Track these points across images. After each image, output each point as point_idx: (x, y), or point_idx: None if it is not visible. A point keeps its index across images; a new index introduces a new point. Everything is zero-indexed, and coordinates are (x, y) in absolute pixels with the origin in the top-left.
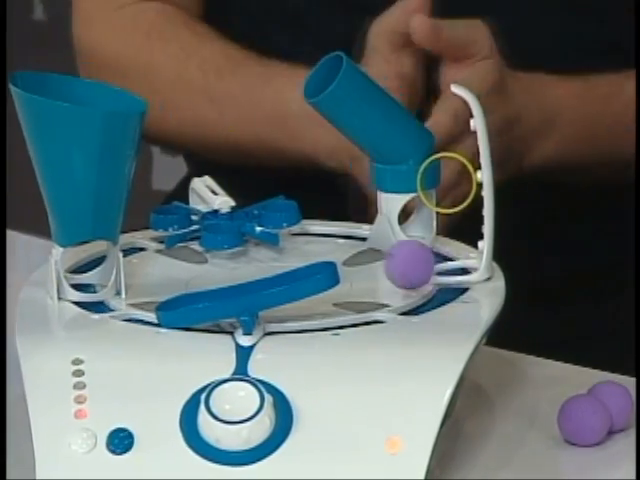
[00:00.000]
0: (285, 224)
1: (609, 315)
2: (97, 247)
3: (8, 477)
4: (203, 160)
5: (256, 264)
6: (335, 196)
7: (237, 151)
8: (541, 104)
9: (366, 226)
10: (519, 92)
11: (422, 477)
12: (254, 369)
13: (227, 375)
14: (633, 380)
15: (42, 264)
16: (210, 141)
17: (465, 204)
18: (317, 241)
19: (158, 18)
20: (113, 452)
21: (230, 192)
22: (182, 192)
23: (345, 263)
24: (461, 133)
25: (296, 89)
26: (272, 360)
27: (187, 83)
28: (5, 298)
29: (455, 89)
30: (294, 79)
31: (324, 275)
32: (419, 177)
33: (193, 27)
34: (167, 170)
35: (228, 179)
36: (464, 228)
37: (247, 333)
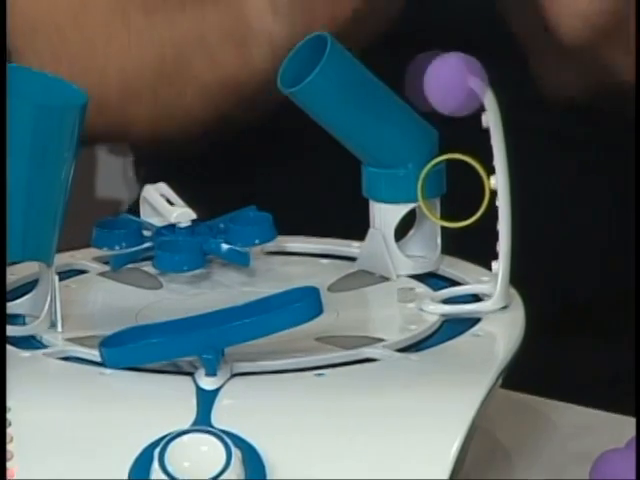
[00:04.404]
0: (257, 241)
1: None
2: (27, 269)
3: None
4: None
5: (222, 290)
6: (318, 206)
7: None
8: None
9: (356, 243)
10: None
11: None
12: (219, 418)
13: (186, 425)
14: None
15: None
16: (137, 75)
17: (476, 216)
18: (296, 261)
19: None
20: None
21: (192, 203)
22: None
23: (330, 288)
24: None
25: None
26: (241, 407)
27: (123, 5)
28: (5, 301)
29: None
30: None
31: (305, 303)
32: (420, 183)
33: None
34: (115, 175)
35: (190, 188)
36: (475, 246)
37: (210, 374)
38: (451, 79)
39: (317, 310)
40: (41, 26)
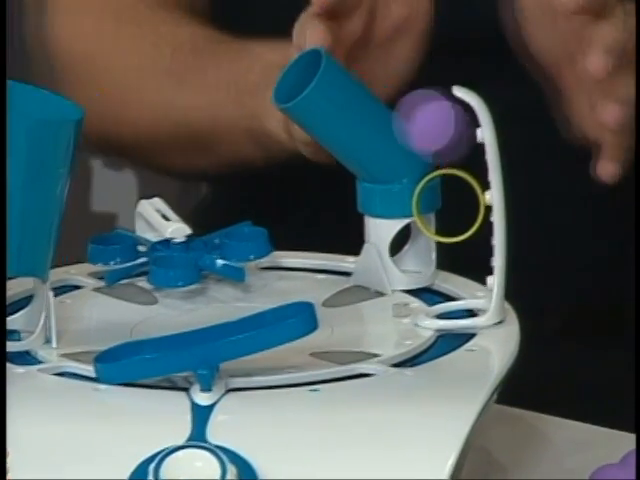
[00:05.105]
0: (252, 256)
1: None
2: (22, 285)
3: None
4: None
5: (217, 305)
6: (313, 221)
7: (195, 140)
8: None
9: (351, 258)
10: None
11: None
12: (214, 433)
13: (181, 441)
14: None
15: None
16: (168, 132)
17: (471, 231)
18: (291, 277)
19: (133, 2)
20: None
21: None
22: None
23: (325, 303)
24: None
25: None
26: (236, 422)
27: (154, 65)
28: (5, 301)
29: (458, 92)
30: (272, 47)
31: (299, 318)
32: (415, 199)
33: (173, 11)
34: (110, 189)
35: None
36: (470, 260)
37: (205, 390)
38: (437, 124)
39: (312, 325)
40: (77, 63)
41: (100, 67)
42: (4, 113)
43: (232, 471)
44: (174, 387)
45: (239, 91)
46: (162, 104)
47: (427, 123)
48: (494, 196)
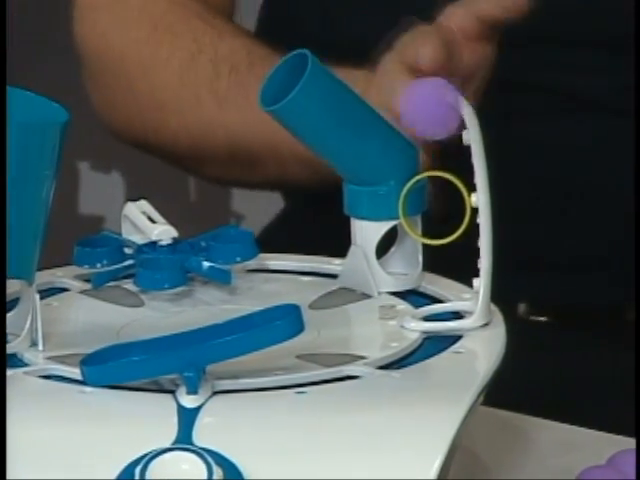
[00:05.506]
0: (239, 258)
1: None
2: (8, 287)
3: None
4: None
5: (203, 307)
6: (301, 224)
7: (239, 159)
8: None
9: (337, 260)
10: None
11: None
12: (200, 436)
13: (167, 444)
14: None
15: None
16: (209, 147)
17: (458, 233)
18: (278, 279)
19: (170, 8)
20: None
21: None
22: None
23: (312, 306)
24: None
25: None
26: (222, 425)
27: (194, 79)
28: (5, 298)
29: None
30: None
31: (286, 321)
32: (401, 201)
33: (211, 20)
34: (97, 191)
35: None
36: (456, 263)
37: (192, 392)
38: (429, 102)
39: (298, 328)
40: (112, 65)
41: (134, 72)
42: (4, 115)
43: (218, 473)
44: (160, 389)
45: None
46: (202, 119)
47: (420, 101)
48: (480, 198)
